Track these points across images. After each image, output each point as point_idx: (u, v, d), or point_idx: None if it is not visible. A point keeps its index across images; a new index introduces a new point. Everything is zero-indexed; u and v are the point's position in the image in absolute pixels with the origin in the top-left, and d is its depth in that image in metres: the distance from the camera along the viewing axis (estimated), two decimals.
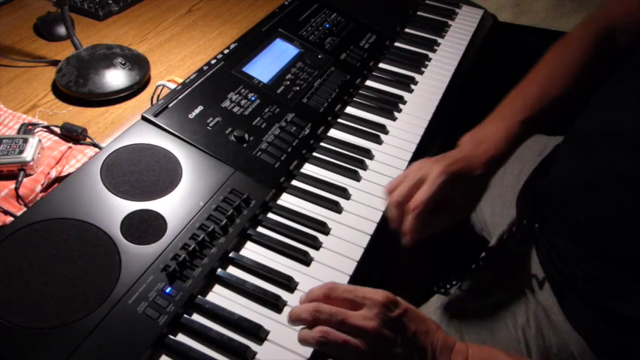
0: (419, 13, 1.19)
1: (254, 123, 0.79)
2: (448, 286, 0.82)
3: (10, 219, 0.65)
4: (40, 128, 0.78)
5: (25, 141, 0.72)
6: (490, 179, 0.70)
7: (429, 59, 1.05)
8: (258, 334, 0.57)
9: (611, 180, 0.62)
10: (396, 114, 0.91)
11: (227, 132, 0.76)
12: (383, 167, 0.80)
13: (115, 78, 0.87)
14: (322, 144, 0.83)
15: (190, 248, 0.61)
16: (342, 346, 0.51)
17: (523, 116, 0.71)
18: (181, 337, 0.57)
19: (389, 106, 0.91)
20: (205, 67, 0.84)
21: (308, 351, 0.56)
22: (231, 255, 0.65)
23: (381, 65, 1.02)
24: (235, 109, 0.80)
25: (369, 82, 0.97)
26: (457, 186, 0.65)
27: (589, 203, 0.65)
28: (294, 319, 0.54)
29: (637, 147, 0.59)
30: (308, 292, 0.56)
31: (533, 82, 0.75)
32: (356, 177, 0.78)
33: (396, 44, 1.08)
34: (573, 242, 0.67)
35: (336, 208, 0.73)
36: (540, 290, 0.73)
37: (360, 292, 0.54)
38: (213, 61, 0.86)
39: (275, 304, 0.60)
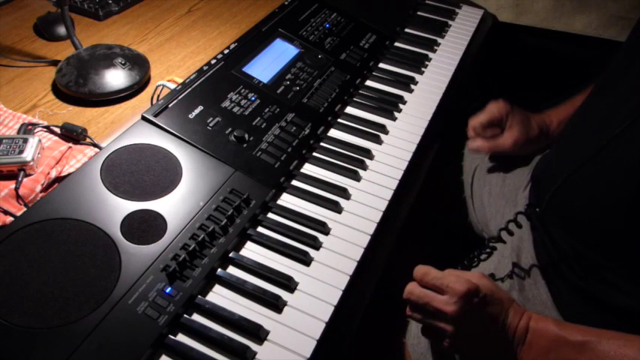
0: (419, 13, 1.19)
1: (254, 123, 0.79)
2: None
3: (10, 219, 0.65)
4: (40, 128, 0.78)
5: (25, 141, 0.72)
6: None
7: (429, 59, 1.05)
8: (258, 334, 0.57)
9: (602, 162, 0.63)
10: (396, 114, 0.90)
11: (227, 132, 0.76)
12: (383, 167, 0.80)
13: (115, 78, 0.87)
14: (322, 144, 0.83)
15: (190, 248, 0.61)
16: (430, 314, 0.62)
17: None
18: (181, 337, 0.57)
19: (389, 106, 0.91)
20: (205, 67, 0.84)
21: (308, 351, 0.56)
22: (231, 255, 0.65)
23: (381, 65, 1.02)
24: (235, 109, 0.80)
25: (369, 82, 0.97)
26: None
27: (582, 188, 0.66)
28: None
29: (626, 127, 0.61)
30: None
31: None
32: (356, 177, 0.78)
33: (396, 44, 1.08)
34: (567, 232, 0.68)
35: (336, 208, 0.73)
36: (535, 285, 0.74)
37: (445, 281, 0.61)
38: (213, 61, 0.86)
39: (275, 304, 0.60)
